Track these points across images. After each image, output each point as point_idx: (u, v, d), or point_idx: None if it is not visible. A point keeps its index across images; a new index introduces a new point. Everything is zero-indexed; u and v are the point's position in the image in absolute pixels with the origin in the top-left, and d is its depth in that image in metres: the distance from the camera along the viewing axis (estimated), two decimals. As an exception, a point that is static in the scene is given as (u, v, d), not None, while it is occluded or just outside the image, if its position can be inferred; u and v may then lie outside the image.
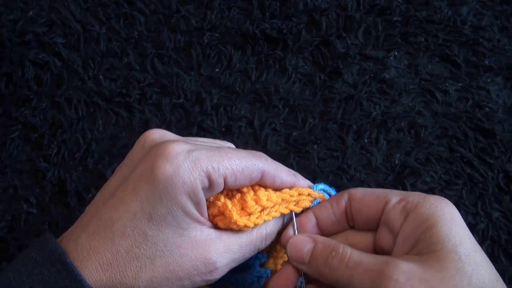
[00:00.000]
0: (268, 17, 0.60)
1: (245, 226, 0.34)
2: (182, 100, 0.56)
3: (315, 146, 0.55)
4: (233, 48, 0.59)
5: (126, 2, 0.61)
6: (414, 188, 0.52)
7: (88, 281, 0.30)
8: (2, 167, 0.54)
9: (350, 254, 0.32)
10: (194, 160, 0.31)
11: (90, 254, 0.30)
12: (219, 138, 0.54)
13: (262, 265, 0.39)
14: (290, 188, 0.37)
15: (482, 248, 0.50)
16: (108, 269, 0.30)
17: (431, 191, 0.52)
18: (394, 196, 0.34)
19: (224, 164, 0.32)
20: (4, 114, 0.56)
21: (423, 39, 0.59)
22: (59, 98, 0.56)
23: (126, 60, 0.58)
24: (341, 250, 0.33)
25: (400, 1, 0.61)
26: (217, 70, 0.58)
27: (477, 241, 0.50)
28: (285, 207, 0.36)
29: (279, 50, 0.59)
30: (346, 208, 0.36)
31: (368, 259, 0.31)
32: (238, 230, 0.34)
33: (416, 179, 0.53)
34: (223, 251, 0.33)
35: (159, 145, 0.32)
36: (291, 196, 0.36)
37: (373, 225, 0.36)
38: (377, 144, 0.55)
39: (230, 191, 0.35)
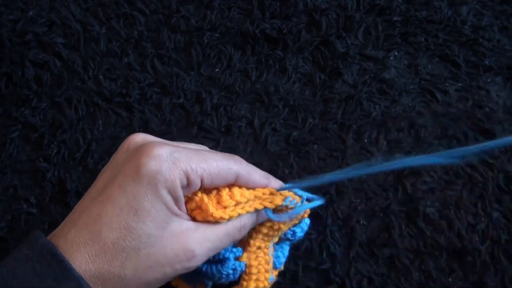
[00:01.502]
0: (268, 17, 0.60)
1: (221, 217, 0.37)
2: (182, 100, 0.56)
3: (315, 146, 0.55)
4: (233, 48, 0.59)
5: (126, 2, 0.61)
6: (414, 188, 0.52)
7: (77, 271, 0.32)
8: (2, 167, 0.54)
9: None
10: (174, 160, 0.35)
11: (80, 247, 0.33)
12: (219, 138, 0.54)
13: (237, 258, 0.42)
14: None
15: (482, 248, 0.50)
16: (96, 260, 0.33)
17: (431, 191, 0.52)
18: None
19: (202, 166, 0.36)
20: (4, 114, 0.56)
21: (423, 39, 0.59)
22: (59, 98, 0.56)
23: (126, 60, 0.58)
24: None
25: (400, 1, 0.61)
26: (217, 70, 0.58)
27: (477, 241, 0.50)
28: (259, 203, 0.40)
29: (279, 50, 0.59)
30: None
31: None
32: (214, 222, 0.38)
33: (416, 179, 0.53)
34: (201, 240, 0.36)
35: (144, 146, 0.36)
36: (263, 194, 0.40)
37: None
38: (377, 144, 0.55)
39: (207, 188, 0.39)
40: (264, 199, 0.40)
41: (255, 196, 0.40)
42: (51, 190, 0.53)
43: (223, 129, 0.55)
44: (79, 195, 0.52)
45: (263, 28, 0.59)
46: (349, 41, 0.59)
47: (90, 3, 0.61)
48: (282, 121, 0.56)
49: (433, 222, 0.51)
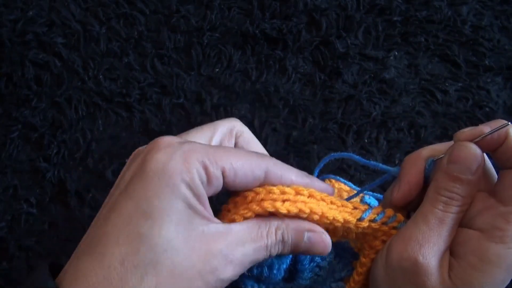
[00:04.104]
0: (268, 17, 0.60)
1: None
2: (182, 100, 0.56)
3: (315, 146, 0.55)
4: (233, 48, 0.59)
5: (126, 2, 0.61)
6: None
7: None
8: (2, 167, 0.54)
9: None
10: (188, 150, 0.29)
11: (78, 277, 0.27)
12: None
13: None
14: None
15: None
16: None
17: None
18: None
19: (221, 157, 0.29)
20: (4, 114, 0.56)
21: (423, 39, 0.59)
22: (59, 98, 0.56)
23: (126, 60, 0.58)
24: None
25: (400, 1, 0.61)
26: (217, 70, 0.58)
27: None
28: (339, 212, 0.33)
29: (279, 50, 0.59)
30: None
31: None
32: (251, 224, 0.31)
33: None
34: (235, 243, 0.29)
35: (150, 143, 0.30)
36: (343, 204, 0.33)
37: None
38: (377, 144, 0.55)
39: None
40: (346, 209, 0.33)
41: (342, 205, 0.33)
42: (51, 190, 0.53)
43: (223, 129, 0.55)
44: (79, 195, 0.52)
45: (263, 28, 0.59)
46: (349, 41, 0.59)
47: (90, 3, 0.61)
48: (282, 121, 0.56)
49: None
